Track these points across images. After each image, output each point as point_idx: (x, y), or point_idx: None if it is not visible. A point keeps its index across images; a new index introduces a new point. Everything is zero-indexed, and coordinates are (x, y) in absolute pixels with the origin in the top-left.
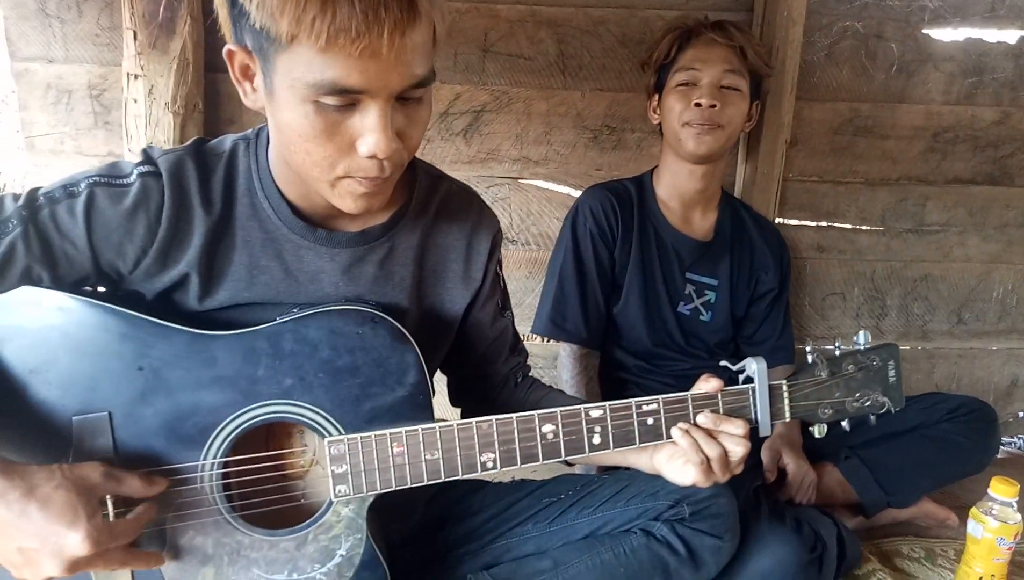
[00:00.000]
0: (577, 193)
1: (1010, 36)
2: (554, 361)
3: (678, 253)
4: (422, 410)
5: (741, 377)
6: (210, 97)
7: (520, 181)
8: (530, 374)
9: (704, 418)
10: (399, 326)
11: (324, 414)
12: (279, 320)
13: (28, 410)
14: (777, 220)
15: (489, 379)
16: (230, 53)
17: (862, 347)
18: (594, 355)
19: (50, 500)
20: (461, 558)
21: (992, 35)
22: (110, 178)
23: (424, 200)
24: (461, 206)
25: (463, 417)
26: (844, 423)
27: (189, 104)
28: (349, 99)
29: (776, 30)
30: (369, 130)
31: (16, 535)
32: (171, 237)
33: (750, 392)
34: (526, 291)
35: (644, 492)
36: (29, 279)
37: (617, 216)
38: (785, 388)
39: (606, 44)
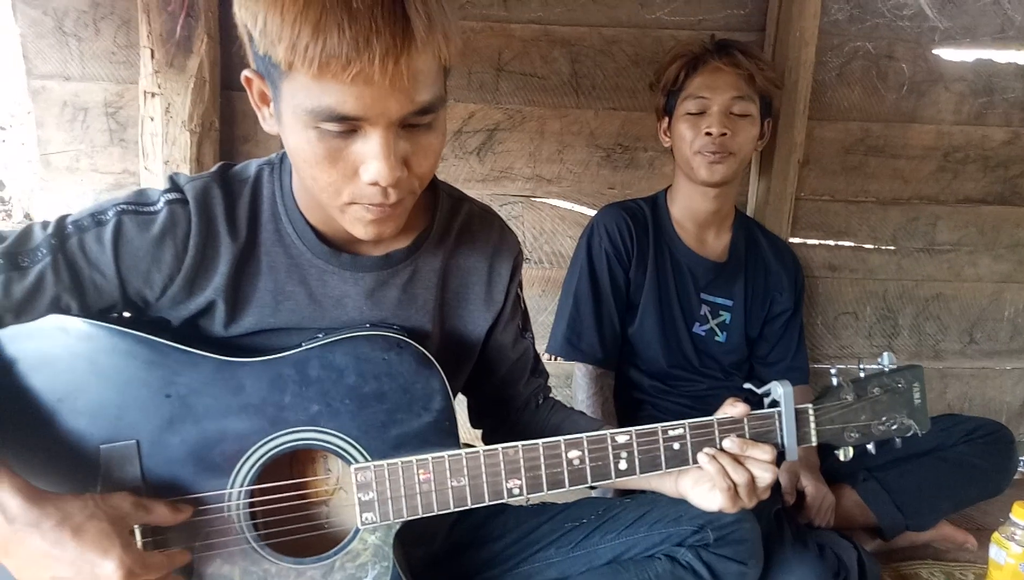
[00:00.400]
0: (590, 212)
1: (1020, 57)
2: (568, 380)
3: (693, 274)
4: (447, 436)
5: (766, 401)
6: (226, 115)
7: (533, 199)
8: (550, 395)
9: (730, 443)
10: (425, 351)
11: (350, 441)
12: (304, 346)
13: (56, 438)
14: (790, 239)
15: (510, 401)
16: (247, 79)
17: (887, 369)
18: (609, 375)
19: (84, 530)
20: None
21: (1002, 56)
22: (137, 206)
23: (446, 223)
24: (482, 228)
25: (484, 438)
26: (870, 446)
27: (206, 122)
28: (349, 125)
29: (788, 50)
30: (370, 157)
31: (51, 565)
32: (198, 264)
33: (776, 416)
34: (539, 310)
35: (667, 517)
36: (57, 308)
37: (632, 236)
38: (811, 412)
39: (619, 63)
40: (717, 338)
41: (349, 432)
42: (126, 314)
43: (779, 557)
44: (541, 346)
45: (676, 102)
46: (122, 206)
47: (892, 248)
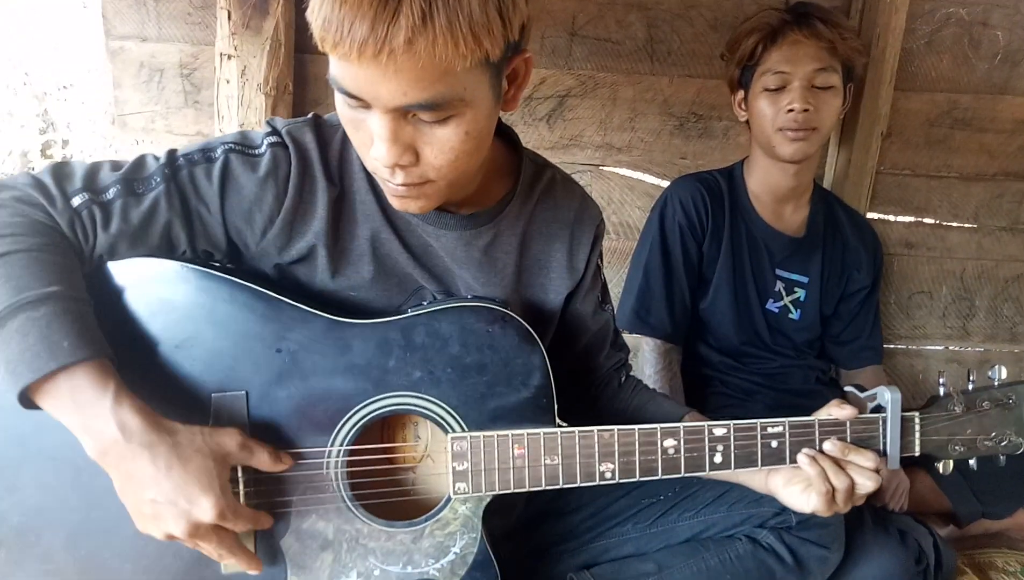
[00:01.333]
0: (661, 182)
1: None
2: (634, 355)
3: (769, 249)
4: (544, 413)
5: (870, 405)
6: (299, 79)
7: (602, 168)
8: (632, 374)
9: (831, 446)
10: (528, 327)
11: (449, 409)
12: (411, 312)
13: (171, 382)
14: (867, 214)
15: (591, 374)
16: None
17: (997, 382)
18: (677, 350)
19: (190, 461)
20: (560, 555)
21: None
22: (244, 147)
23: (528, 188)
24: (565, 195)
25: (561, 416)
26: (972, 462)
27: (280, 85)
28: (355, 101)
29: (877, 16)
30: (374, 135)
31: (153, 487)
32: (296, 206)
33: (880, 422)
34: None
35: (748, 497)
36: (168, 236)
37: (708, 209)
38: (917, 421)
39: (697, 29)
40: (791, 315)
41: (448, 401)
42: (229, 265)
43: (859, 542)
44: None
45: (752, 76)
46: (230, 145)
47: (973, 226)
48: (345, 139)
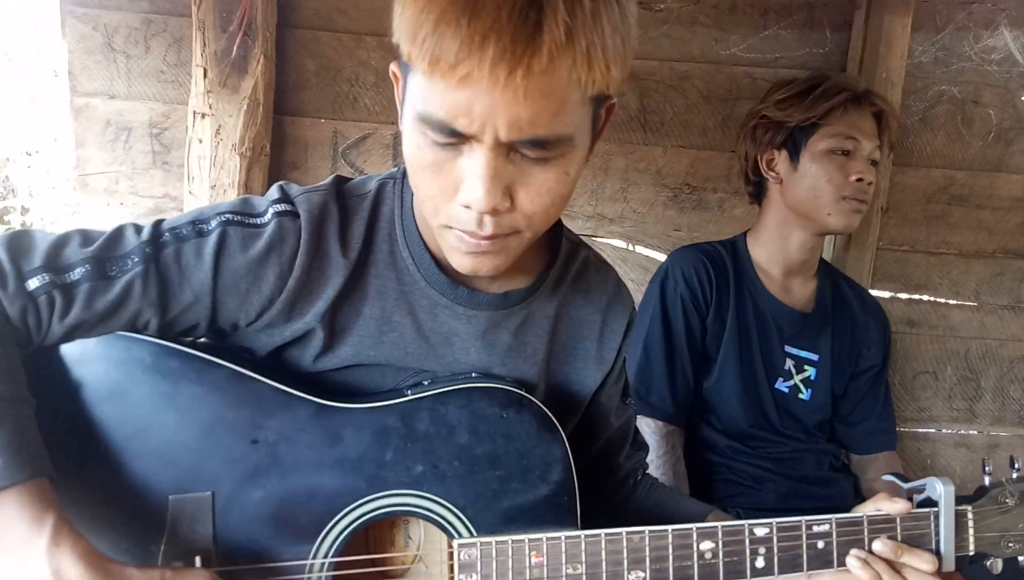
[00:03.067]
0: (655, 254)
1: None
2: None
3: (777, 324)
4: (566, 514)
5: (916, 498)
6: (277, 140)
7: (594, 239)
8: (648, 471)
9: (882, 546)
10: (548, 413)
11: (456, 511)
12: (411, 395)
13: (120, 483)
14: (869, 291)
15: (609, 475)
16: (393, 74)
17: None
18: (680, 433)
19: None
20: None
21: None
22: (244, 216)
23: (563, 267)
24: (599, 278)
25: None
26: (1022, 559)
27: (256, 146)
28: (451, 137)
29: (875, 91)
30: (469, 176)
31: None
32: (302, 286)
33: (932, 518)
34: None
35: None
36: (134, 325)
37: (711, 281)
38: (971, 515)
39: (690, 100)
40: (801, 395)
41: (456, 500)
42: (202, 340)
43: None
44: None
45: (810, 137)
46: (227, 216)
47: (974, 304)
48: (375, 206)
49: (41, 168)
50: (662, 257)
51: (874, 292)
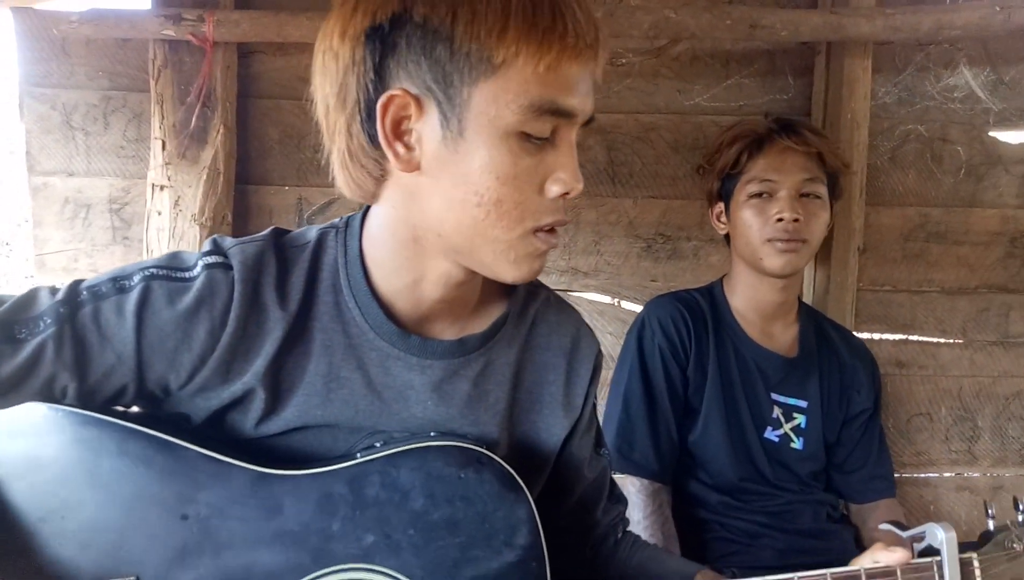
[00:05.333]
0: (632, 306)
1: None
2: None
3: (762, 371)
4: None
5: (917, 546)
6: (239, 210)
7: (569, 294)
8: (628, 528)
9: None
10: (509, 470)
11: None
12: (361, 458)
13: (35, 570)
14: (853, 333)
15: (587, 532)
16: (390, 100)
17: None
18: (666, 490)
19: None
20: None
21: None
22: (170, 270)
23: (522, 310)
24: (561, 319)
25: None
26: None
27: (217, 216)
28: (553, 125)
29: (840, 133)
30: (564, 164)
31: None
32: (238, 342)
33: (935, 568)
34: None
35: None
36: (49, 391)
37: (689, 329)
38: (976, 564)
39: (658, 151)
40: (793, 445)
41: (412, 573)
42: (134, 408)
43: None
44: None
45: (735, 186)
46: (151, 270)
47: (962, 341)
48: (315, 256)
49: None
50: (640, 309)
51: (859, 334)
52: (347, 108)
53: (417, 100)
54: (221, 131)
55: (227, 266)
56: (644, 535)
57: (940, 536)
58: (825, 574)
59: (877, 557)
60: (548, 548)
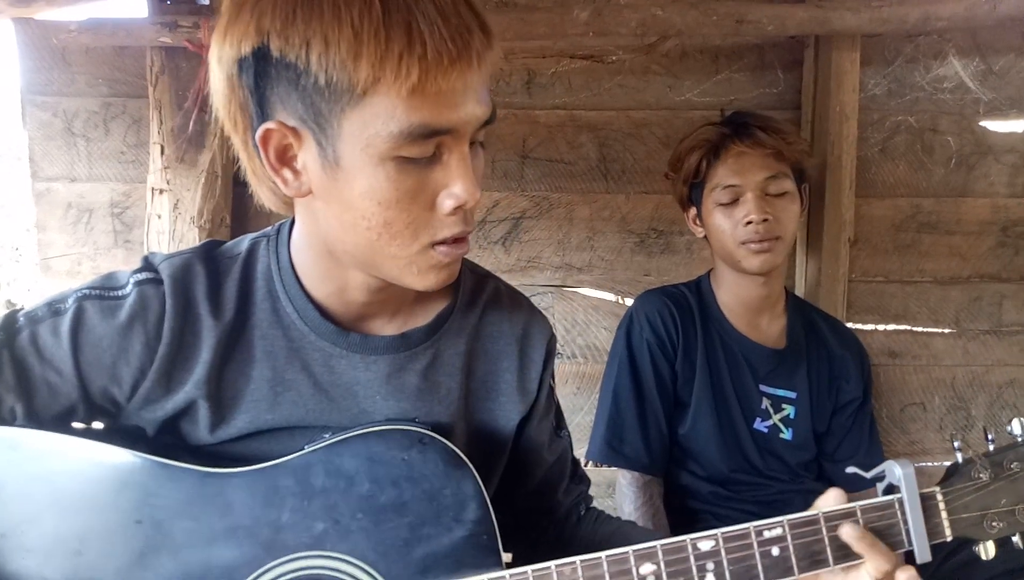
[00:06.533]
0: (626, 301)
1: None
2: (610, 489)
3: (750, 363)
4: (487, 553)
5: (879, 486)
6: (238, 212)
7: (564, 289)
8: (592, 504)
9: (850, 531)
10: (454, 448)
11: (365, 567)
12: (307, 449)
13: None
14: (846, 324)
15: (549, 514)
16: (267, 133)
17: (1020, 438)
18: (657, 482)
19: None
20: None
21: None
22: (103, 290)
23: (470, 301)
24: (511, 308)
25: (517, 561)
26: (1016, 539)
27: (216, 218)
28: (434, 144)
29: (829, 125)
30: (455, 178)
31: None
32: (175, 353)
33: (897, 505)
34: (575, 409)
35: None
36: None
37: (677, 324)
38: (940, 497)
39: (649, 146)
40: (782, 435)
41: (364, 555)
42: (97, 424)
43: None
44: (580, 450)
45: (702, 193)
46: (84, 292)
47: (955, 331)
48: (247, 266)
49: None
50: None
51: (852, 325)
52: (239, 131)
53: (294, 131)
54: (218, 135)
55: (157, 281)
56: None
57: (898, 473)
58: (782, 520)
59: (828, 502)
60: (499, 521)
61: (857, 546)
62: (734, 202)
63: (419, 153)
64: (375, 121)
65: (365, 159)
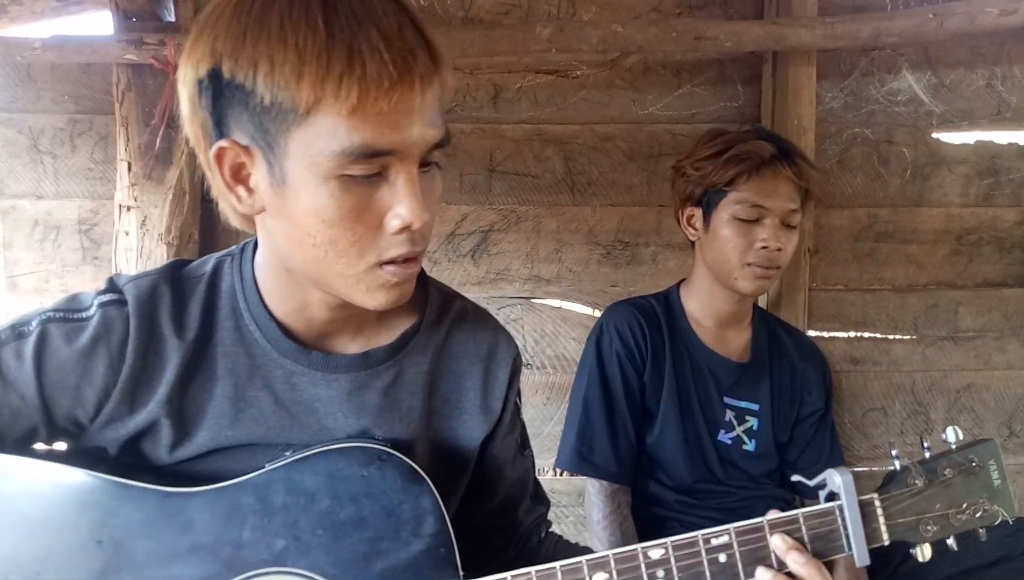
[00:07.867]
0: (593, 312)
1: (1019, 137)
2: (579, 498)
3: (715, 376)
4: (444, 566)
5: (822, 494)
6: (206, 228)
7: (533, 301)
8: (551, 530)
9: (780, 541)
10: (411, 463)
11: None
12: (268, 467)
13: None
14: (807, 332)
15: (509, 533)
16: (220, 152)
17: (954, 446)
18: (626, 491)
19: None
20: None
21: (1002, 137)
22: (66, 313)
23: (436, 320)
24: (477, 327)
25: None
26: (950, 541)
27: (184, 234)
28: (379, 165)
29: (788, 138)
30: (401, 198)
31: None
32: (139, 373)
33: (837, 511)
34: (544, 419)
35: None
36: None
37: (645, 336)
38: (878, 503)
39: (614, 160)
40: (745, 446)
41: (324, 571)
42: (59, 445)
43: None
44: (550, 460)
45: (720, 200)
46: (48, 314)
47: (914, 337)
48: (212, 285)
49: None
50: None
51: (813, 333)
52: (202, 149)
53: (246, 149)
54: (186, 151)
55: (122, 302)
56: (604, 534)
57: (837, 480)
58: (728, 528)
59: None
60: (456, 535)
61: (785, 557)
62: (754, 221)
63: (363, 171)
64: (318, 140)
65: (310, 177)
